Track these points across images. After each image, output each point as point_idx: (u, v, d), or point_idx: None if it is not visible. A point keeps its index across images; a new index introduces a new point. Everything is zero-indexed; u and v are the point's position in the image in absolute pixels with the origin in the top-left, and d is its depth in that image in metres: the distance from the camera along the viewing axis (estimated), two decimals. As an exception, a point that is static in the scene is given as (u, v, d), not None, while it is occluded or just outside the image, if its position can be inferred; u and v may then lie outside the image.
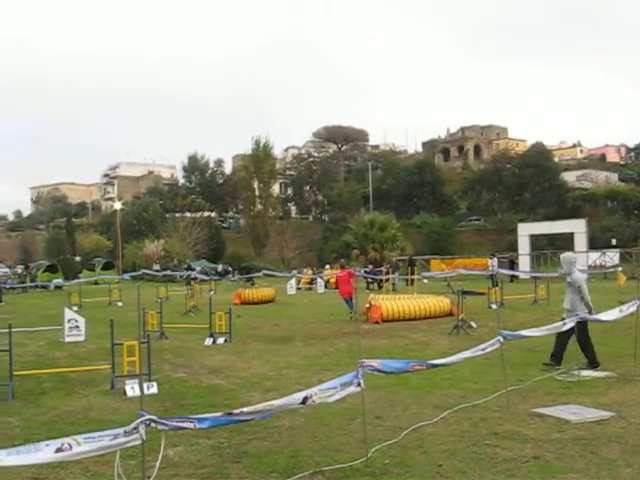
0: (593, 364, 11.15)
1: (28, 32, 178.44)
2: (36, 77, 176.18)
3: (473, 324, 17.20)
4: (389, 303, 20.42)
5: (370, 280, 37.07)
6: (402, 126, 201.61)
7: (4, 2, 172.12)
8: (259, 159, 72.90)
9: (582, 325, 10.99)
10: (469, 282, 33.63)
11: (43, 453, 4.29)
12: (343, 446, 7.16)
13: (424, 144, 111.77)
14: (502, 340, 8.43)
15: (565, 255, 12.00)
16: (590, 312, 11.24)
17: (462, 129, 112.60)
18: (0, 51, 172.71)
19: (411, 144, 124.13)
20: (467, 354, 7.97)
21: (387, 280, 34.07)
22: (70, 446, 4.33)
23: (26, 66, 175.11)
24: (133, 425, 4.64)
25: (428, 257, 51.39)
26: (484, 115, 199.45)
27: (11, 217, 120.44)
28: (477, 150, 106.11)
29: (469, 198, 78.44)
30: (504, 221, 66.92)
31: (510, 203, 72.37)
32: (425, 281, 36.45)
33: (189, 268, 51.93)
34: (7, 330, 10.93)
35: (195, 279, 39.84)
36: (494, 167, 75.03)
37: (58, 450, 4.30)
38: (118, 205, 71.79)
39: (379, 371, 6.50)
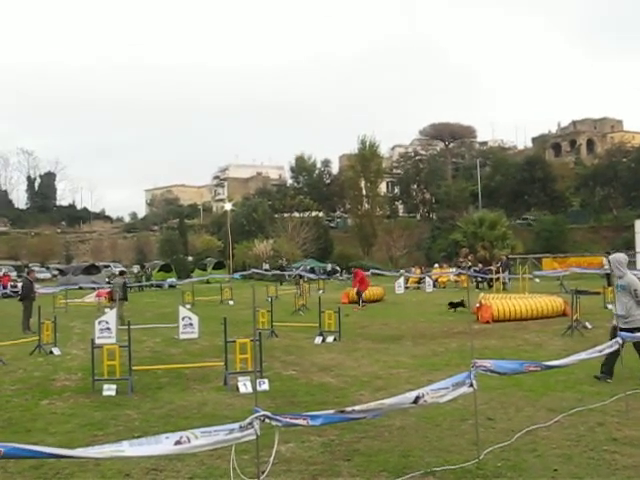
0: (607, 373, 10.30)
1: (145, 49, 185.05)
2: (151, 88, 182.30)
3: (588, 325, 16.64)
4: (500, 303, 20.04)
5: (480, 279, 36.46)
6: (511, 122, 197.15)
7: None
8: (366, 158, 72.99)
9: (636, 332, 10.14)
10: (583, 281, 32.50)
11: (163, 445, 4.43)
12: (454, 447, 7.08)
13: (534, 139, 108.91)
14: (621, 342, 8.12)
15: (615, 256, 11.05)
16: None
17: (574, 123, 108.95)
18: (122, 68, 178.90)
19: (520, 140, 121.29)
20: (583, 356, 7.71)
21: (497, 279, 33.44)
22: (188, 439, 4.46)
23: (144, 79, 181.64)
24: (248, 420, 4.73)
25: (540, 256, 50.06)
26: (597, 108, 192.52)
27: (127, 219, 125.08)
28: (590, 144, 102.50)
29: (582, 194, 75.89)
30: (620, 218, 64.43)
31: (626, 199, 69.57)
32: (537, 280, 35.55)
33: (281, 268, 52.63)
34: (126, 327, 11.39)
35: (302, 277, 40.27)
36: (609, 161, 72.32)
37: (177, 443, 4.43)
38: (228, 206, 73.30)
39: (492, 372, 6.38)
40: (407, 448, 7.09)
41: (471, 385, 6.10)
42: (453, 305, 23.46)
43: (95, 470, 6.58)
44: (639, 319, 10.27)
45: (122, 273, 28.49)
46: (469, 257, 44.49)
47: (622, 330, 10.18)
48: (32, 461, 6.46)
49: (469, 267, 39.85)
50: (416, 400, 5.62)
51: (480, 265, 39.71)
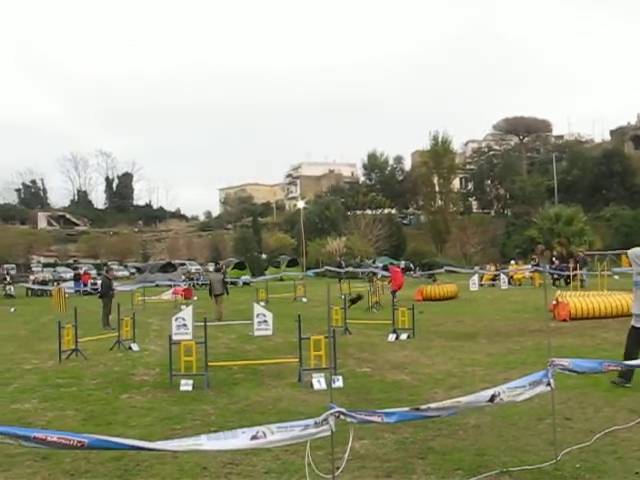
0: (625, 377, 9.59)
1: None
2: (223, 88, 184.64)
3: (671, 323, 16.10)
4: (577, 300, 19.60)
5: (556, 276, 35.71)
6: (588, 114, 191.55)
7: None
8: (438, 154, 72.56)
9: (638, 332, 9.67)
10: (666, 278, 31.49)
11: (239, 440, 4.50)
12: (531, 447, 6.95)
13: (612, 132, 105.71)
14: None
15: (635, 250, 10.07)
16: None
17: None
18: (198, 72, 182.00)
19: (598, 133, 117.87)
20: (666, 355, 7.48)
21: (575, 276, 32.70)
22: (264, 434, 4.52)
23: (216, 79, 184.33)
24: (323, 417, 4.75)
25: (619, 252, 48.72)
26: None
27: (202, 218, 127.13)
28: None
29: (663, 188, 73.55)
30: None
31: None
32: (616, 277, 34.63)
33: (339, 266, 52.67)
34: (202, 323, 11.60)
35: (375, 274, 40.23)
36: (692, 154, 69.88)
37: (253, 437, 4.49)
38: (301, 204, 73.83)
39: (570, 370, 6.25)
40: (482, 447, 7.01)
41: (548, 384, 5.99)
42: (352, 301, 24.50)
43: (173, 463, 6.72)
44: None
45: (219, 270, 28.93)
46: (544, 254, 43.71)
47: (638, 330, 9.75)
48: (113, 452, 6.63)
49: (542, 263, 39.24)
50: (492, 398, 5.56)
51: (557, 262, 38.83)
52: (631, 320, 9.96)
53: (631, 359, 9.02)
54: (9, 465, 6.77)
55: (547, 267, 36.57)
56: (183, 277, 51.81)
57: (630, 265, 10.20)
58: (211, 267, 61.53)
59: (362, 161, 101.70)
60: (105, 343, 16.65)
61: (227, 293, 24.89)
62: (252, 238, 77.12)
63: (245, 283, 49.13)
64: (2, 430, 3.99)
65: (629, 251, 10.31)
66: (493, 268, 44.35)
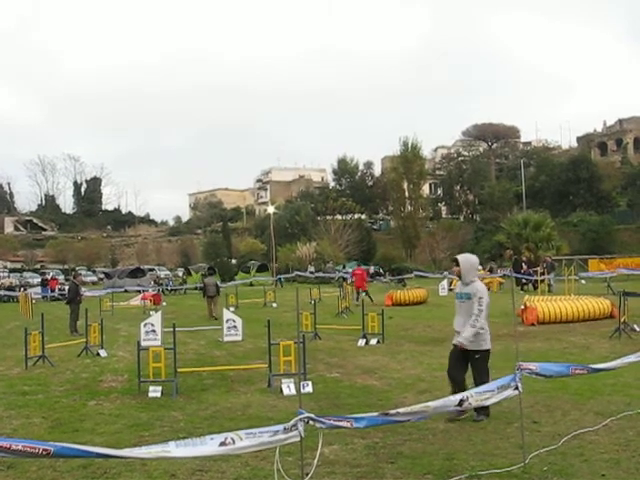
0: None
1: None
2: (192, 93, 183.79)
3: (636, 327, 16.34)
4: (545, 304, 19.79)
5: (524, 281, 36.01)
6: (555, 121, 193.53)
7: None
8: (408, 160, 72.88)
9: (485, 353, 8.54)
10: (631, 283, 31.95)
11: (208, 446, 4.48)
12: (499, 451, 7.01)
13: (579, 139, 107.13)
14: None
15: (468, 257, 8.91)
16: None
17: (620, 121, 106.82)
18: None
19: (565, 139, 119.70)
20: (632, 358, 7.56)
21: (542, 281, 33.01)
22: (233, 440, 4.50)
23: (185, 83, 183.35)
24: (292, 422, 4.75)
25: (586, 257, 49.38)
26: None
27: (171, 223, 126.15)
28: (637, 143, 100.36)
29: (629, 194, 74.46)
30: (669, 218, 63.17)
31: (676, 199, 68.17)
32: (583, 282, 35.05)
33: (278, 272, 53.19)
34: (171, 329, 11.53)
35: (345, 279, 40.29)
36: (657, 160, 70.96)
37: (222, 444, 4.48)
38: (271, 209, 73.68)
39: (538, 374, 6.31)
40: (451, 451, 7.05)
41: (516, 388, 6.05)
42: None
43: (141, 470, 6.66)
44: (487, 337, 8.51)
45: (212, 274, 29.67)
46: (512, 259, 44.07)
47: (465, 352, 8.48)
48: (81, 460, 6.57)
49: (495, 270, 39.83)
50: (460, 403, 5.60)
51: (525, 267, 39.14)
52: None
53: (457, 382, 8.41)
54: (-27, 474, 6.67)
55: (510, 272, 36.90)
56: (152, 282, 51.48)
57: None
58: (180, 272, 61.34)
59: (332, 166, 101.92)
60: (73, 349, 16.47)
61: (218, 294, 25.84)
62: (222, 243, 76.84)
63: (215, 288, 48.92)
64: (-34, 438, 3.93)
65: (461, 257, 8.91)
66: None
